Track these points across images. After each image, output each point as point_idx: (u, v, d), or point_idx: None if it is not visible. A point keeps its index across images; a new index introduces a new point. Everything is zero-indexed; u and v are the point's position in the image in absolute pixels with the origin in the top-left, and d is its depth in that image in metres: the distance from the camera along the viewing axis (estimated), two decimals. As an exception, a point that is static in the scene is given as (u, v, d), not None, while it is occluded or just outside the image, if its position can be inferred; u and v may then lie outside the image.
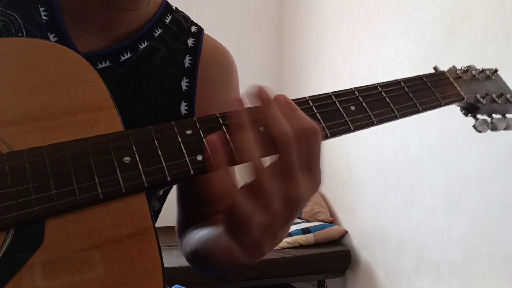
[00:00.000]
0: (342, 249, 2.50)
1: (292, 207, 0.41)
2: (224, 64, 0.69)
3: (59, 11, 0.57)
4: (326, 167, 2.84)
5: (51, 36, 0.56)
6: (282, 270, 2.37)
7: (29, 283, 0.35)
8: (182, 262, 2.18)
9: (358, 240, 2.51)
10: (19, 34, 0.54)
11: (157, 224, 0.44)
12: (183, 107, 0.64)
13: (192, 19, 0.70)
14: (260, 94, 0.43)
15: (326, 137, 0.48)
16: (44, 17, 0.56)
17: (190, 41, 0.66)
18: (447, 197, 1.84)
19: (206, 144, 0.39)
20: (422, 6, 1.99)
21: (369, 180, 2.39)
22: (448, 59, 1.81)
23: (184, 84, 0.64)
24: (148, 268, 0.39)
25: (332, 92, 0.51)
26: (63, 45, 0.47)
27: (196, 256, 0.60)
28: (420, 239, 2.01)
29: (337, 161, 2.63)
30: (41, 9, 0.56)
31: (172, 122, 0.44)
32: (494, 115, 0.66)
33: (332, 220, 2.71)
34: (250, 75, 3.34)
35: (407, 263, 2.09)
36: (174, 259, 2.24)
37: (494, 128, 0.64)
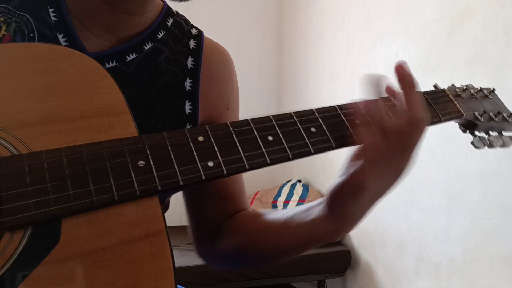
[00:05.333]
0: (342, 249, 2.51)
1: (396, 176, 0.55)
2: (224, 63, 0.72)
3: (67, 12, 0.58)
4: (328, 167, 2.85)
5: (60, 37, 0.57)
6: (282, 270, 2.38)
7: (44, 281, 0.36)
8: (182, 262, 2.18)
9: (358, 240, 2.51)
10: (31, 35, 0.55)
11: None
12: (187, 107, 0.66)
13: (192, 19, 0.73)
14: (405, 78, 0.54)
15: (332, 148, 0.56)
16: (53, 18, 0.57)
17: (192, 43, 0.68)
18: (447, 197, 1.85)
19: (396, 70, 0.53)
20: (422, 6, 1.99)
21: (369, 180, 2.39)
22: (448, 59, 1.82)
23: (187, 84, 0.66)
24: (160, 270, 0.39)
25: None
26: (75, 49, 0.48)
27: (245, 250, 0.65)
28: (420, 239, 2.01)
29: (338, 161, 2.63)
30: (50, 10, 0.57)
31: (185, 129, 0.45)
32: (491, 133, 0.68)
33: (332, 220, 2.71)
34: (250, 75, 3.34)
35: (407, 263, 2.10)
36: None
37: (491, 145, 0.67)
